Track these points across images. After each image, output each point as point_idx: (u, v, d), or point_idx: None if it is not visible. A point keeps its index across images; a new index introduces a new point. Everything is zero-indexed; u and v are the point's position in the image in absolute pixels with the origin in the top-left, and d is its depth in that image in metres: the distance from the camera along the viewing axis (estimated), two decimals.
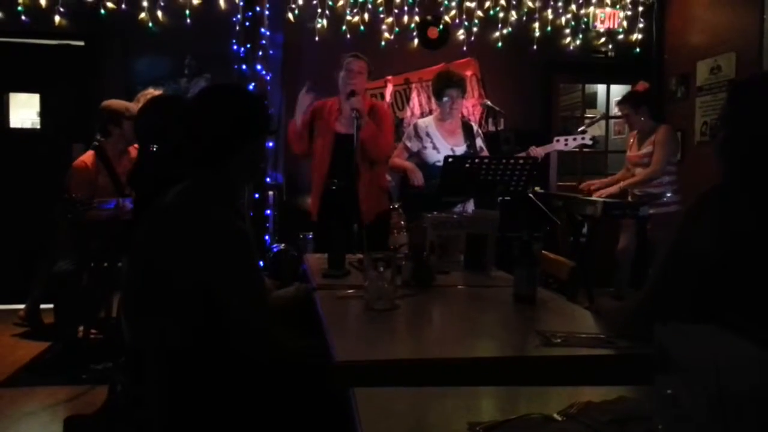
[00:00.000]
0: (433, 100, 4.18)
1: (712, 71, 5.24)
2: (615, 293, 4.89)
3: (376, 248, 2.41)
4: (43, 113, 5.51)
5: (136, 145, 4.00)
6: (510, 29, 5.75)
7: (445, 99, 3.93)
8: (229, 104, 1.77)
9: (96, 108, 4.05)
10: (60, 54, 5.42)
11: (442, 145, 3.97)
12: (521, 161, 3.64)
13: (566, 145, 4.38)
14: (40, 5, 5.08)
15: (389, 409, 1.16)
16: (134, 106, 3.98)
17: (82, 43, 5.42)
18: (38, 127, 5.56)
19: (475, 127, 4.20)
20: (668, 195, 4.60)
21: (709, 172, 4.27)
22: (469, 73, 5.76)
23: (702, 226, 1.46)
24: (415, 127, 4.08)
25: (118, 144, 3.97)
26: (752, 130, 1.48)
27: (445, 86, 3.93)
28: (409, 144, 4.04)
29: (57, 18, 5.11)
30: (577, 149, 6.04)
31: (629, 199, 4.79)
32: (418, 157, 4.03)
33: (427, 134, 4.00)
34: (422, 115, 5.47)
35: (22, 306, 4.57)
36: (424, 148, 3.99)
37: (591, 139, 4.51)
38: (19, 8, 5.06)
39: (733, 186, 1.50)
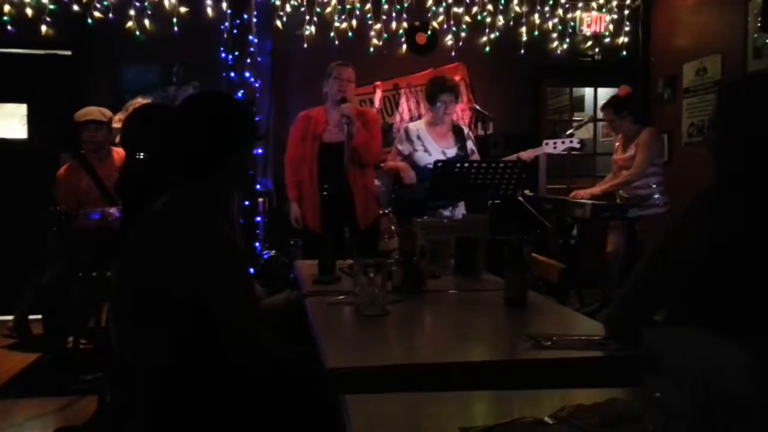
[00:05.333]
0: (422, 104, 4.21)
1: (698, 73, 5.28)
2: (603, 295, 4.90)
3: (367, 254, 2.41)
4: (31, 123, 5.47)
5: (118, 149, 4.02)
6: (497, 34, 5.76)
7: (438, 104, 3.94)
8: (213, 111, 1.75)
9: None
10: (47, 63, 5.40)
11: (433, 148, 3.98)
12: (510, 164, 3.66)
13: (555, 148, 4.41)
14: (27, 15, 5.04)
15: (381, 416, 1.15)
16: (85, 112, 4.04)
17: (69, 53, 5.39)
18: (25, 136, 5.53)
19: (466, 130, 4.22)
20: (656, 196, 4.62)
21: (696, 173, 4.29)
22: (457, 78, 5.77)
23: (696, 228, 1.47)
24: (406, 130, 4.11)
25: (88, 151, 4.00)
26: (745, 131, 1.50)
27: (439, 91, 3.94)
28: (400, 147, 4.06)
29: (44, 27, 5.07)
30: (565, 152, 6.13)
31: (617, 201, 4.81)
32: (409, 160, 4.05)
33: (418, 137, 4.02)
34: (411, 120, 5.48)
35: (10, 317, 4.53)
36: (415, 150, 4.00)
37: (579, 142, 4.54)
38: (5, 18, 5.03)
39: (727, 186, 1.51)
